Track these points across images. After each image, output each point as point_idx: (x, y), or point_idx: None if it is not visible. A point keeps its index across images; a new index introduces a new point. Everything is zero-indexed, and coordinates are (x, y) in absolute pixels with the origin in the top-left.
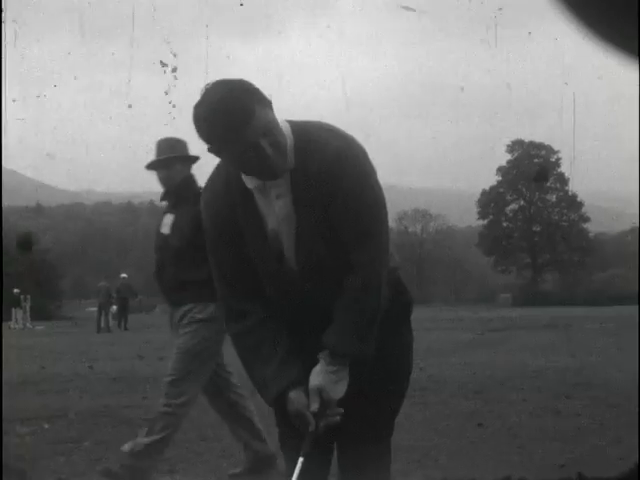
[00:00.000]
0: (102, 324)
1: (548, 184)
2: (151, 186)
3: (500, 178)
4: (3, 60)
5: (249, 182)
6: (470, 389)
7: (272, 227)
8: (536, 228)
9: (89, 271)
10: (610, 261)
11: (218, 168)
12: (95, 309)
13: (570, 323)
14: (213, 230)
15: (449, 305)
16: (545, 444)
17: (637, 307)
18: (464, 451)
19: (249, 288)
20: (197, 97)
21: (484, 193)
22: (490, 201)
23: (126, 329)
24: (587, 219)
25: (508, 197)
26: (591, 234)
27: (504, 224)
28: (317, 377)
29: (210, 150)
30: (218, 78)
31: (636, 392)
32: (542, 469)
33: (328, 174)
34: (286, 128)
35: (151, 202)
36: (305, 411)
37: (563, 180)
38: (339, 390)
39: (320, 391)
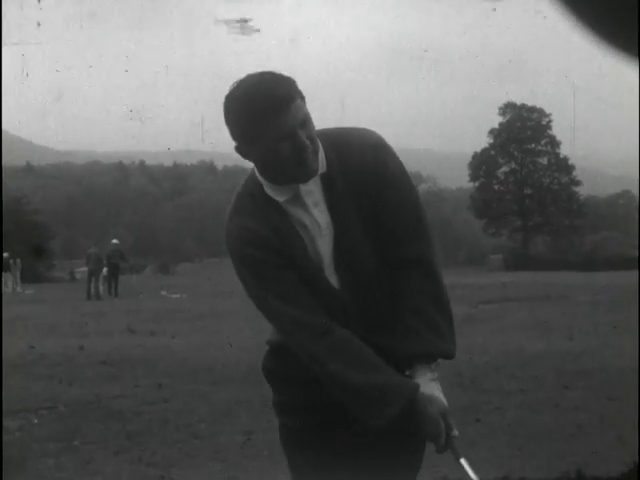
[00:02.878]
0: (92, 290)
1: (539, 147)
2: (142, 146)
3: (492, 141)
4: None
5: (279, 195)
6: (467, 377)
7: (311, 241)
8: (527, 191)
9: (79, 232)
10: (601, 224)
11: (240, 194)
12: (85, 269)
13: (564, 294)
14: (257, 252)
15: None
16: (544, 444)
17: (629, 272)
18: (463, 451)
19: (315, 302)
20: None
21: (475, 156)
22: (481, 164)
23: (116, 295)
24: (578, 182)
25: (499, 160)
26: (582, 197)
27: (495, 187)
28: (426, 388)
29: (239, 147)
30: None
31: (636, 384)
32: (541, 471)
33: (371, 170)
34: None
35: (141, 162)
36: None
37: (555, 143)
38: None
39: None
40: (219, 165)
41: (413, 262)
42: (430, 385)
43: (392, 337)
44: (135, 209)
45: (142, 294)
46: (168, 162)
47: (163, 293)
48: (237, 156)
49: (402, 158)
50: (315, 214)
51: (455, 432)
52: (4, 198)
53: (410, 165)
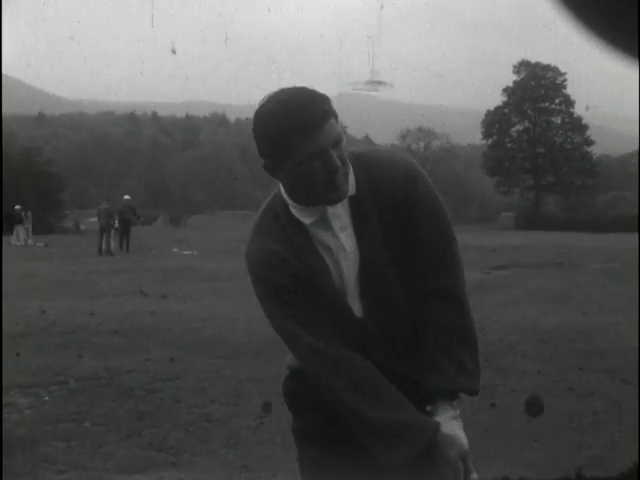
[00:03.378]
0: (104, 246)
1: (553, 106)
2: (154, 97)
3: (505, 99)
4: None
5: (305, 216)
6: (481, 355)
7: (336, 266)
8: (540, 150)
9: (91, 182)
10: (613, 183)
11: (264, 213)
12: (91, 221)
13: (576, 261)
14: (277, 275)
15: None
16: (562, 434)
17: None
18: (479, 441)
19: (337, 332)
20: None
21: (489, 113)
22: (494, 122)
23: (127, 251)
24: (591, 142)
25: (513, 118)
26: (595, 156)
27: (508, 145)
28: (447, 427)
29: (267, 164)
30: None
31: None
32: (560, 463)
33: (402, 194)
34: None
35: (154, 113)
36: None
37: (569, 102)
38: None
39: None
40: (231, 117)
41: (440, 294)
42: (451, 424)
43: (414, 368)
44: (147, 160)
45: (153, 250)
46: (180, 114)
47: (174, 250)
48: (250, 109)
49: (415, 114)
50: (341, 238)
51: (474, 475)
52: (16, 149)
53: (423, 121)
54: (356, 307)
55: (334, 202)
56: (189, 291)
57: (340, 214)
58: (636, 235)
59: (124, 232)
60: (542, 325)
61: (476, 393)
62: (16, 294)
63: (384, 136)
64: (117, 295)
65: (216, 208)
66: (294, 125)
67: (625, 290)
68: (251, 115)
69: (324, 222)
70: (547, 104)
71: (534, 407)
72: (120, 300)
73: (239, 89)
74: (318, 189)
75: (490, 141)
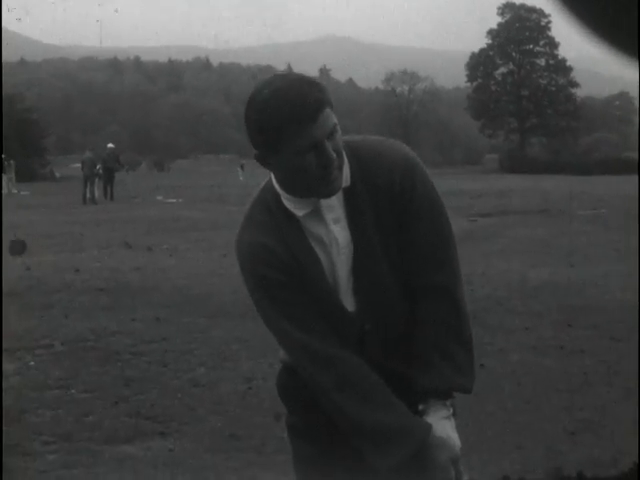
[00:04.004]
0: (88, 195)
1: (538, 48)
2: (137, 42)
3: (490, 41)
4: None
5: (298, 208)
6: (469, 312)
7: (328, 259)
8: (524, 92)
9: (75, 128)
10: (597, 125)
11: (254, 204)
12: (72, 167)
13: (562, 207)
14: (268, 270)
15: (436, 167)
16: (551, 396)
17: (625, 177)
18: (468, 405)
19: (328, 328)
20: None
21: (473, 56)
22: (479, 64)
23: (112, 199)
24: (576, 84)
25: (497, 60)
26: (579, 98)
27: (493, 88)
28: (438, 428)
29: (259, 154)
30: None
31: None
32: (551, 431)
33: (399, 187)
34: None
35: (137, 58)
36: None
37: (553, 44)
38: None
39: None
40: (214, 62)
41: (436, 290)
42: (443, 424)
43: (407, 366)
44: (130, 106)
45: (137, 198)
46: (163, 58)
47: (159, 198)
48: (233, 53)
49: (399, 56)
50: (335, 231)
51: (465, 478)
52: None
53: (407, 63)
54: (349, 302)
55: (327, 195)
56: (174, 243)
57: (334, 206)
58: (622, 178)
59: (108, 180)
60: (530, 279)
61: (470, 392)
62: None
63: (368, 79)
64: (102, 248)
65: (199, 152)
66: (288, 116)
67: (611, 238)
68: (235, 59)
69: (317, 214)
70: (531, 46)
71: None
72: (105, 253)
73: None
74: (311, 182)
75: (475, 84)
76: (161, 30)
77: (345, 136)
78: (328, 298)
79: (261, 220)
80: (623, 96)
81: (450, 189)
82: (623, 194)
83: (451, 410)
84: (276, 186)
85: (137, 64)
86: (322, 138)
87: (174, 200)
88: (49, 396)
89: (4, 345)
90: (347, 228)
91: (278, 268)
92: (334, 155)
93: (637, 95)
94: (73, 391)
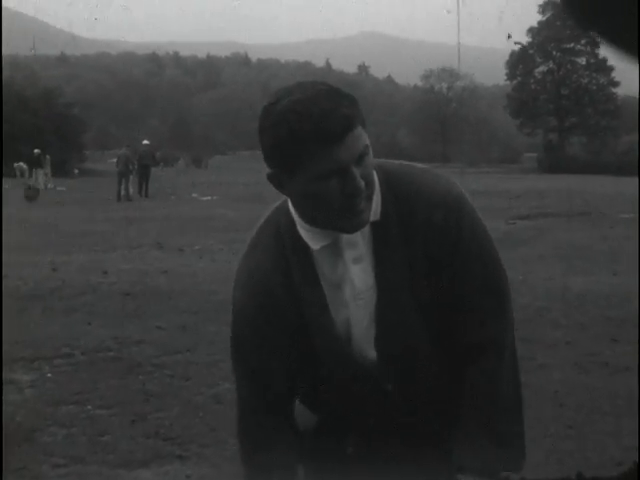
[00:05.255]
0: (122, 192)
1: (578, 46)
2: (176, 37)
3: (530, 39)
4: None
5: (313, 240)
6: None
7: (340, 304)
8: (564, 91)
9: (113, 123)
10: (637, 125)
11: (264, 226)
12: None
13: (603, 210)
14: (250, 303)
15: (473, 166)
16: (597, 420)
17: None
18: None
19: (289, 402)
20: None
21: (513, 54)
22: (519, 62)
23: (147, 196)
24: (616, 83)
25: (537, 59)
26: (620, 98)
27: (532, 86)
28: None
29: (273, 175)
30: None
31: None
32: (594, 459)
33: (442, 227)
34: None
35: (176, 53)
36: None
37: (594, 43)
38: None
39: None
40: (253, 57)
41: (485, 350)
42: None
43: (440, 434)
44: (169, 101)
45: (173, 196)
46: (202, 54)
47: (194, 195)
48: (272, 49)
49: (438, 54)
50: (352, 272)
51: None
52: (37, 90)
53: (446, 61)
54: (367, 357)
55: (353, 230)
56: (207, 243)
57: (357, 242)
58: None
59: (143, 177)
60: (571, 288)
61: (519, 470)
62: (29, 247)
63: (407, 76)
64: (133, 248)
65: (238, 148)
66: (310, 134)
67: None
68: (274, 55)
69: (335, 249)
70: (572, 45)
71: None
72: (135, 254)
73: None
74: (333, 213)
75: (514, 82)
76: (200, 25)
77: (378, 160)
78: (335, 348)
79: (267, 245)
80: None
81: (487, 189)
82: None
83: None
84: (291, 210)
85: (176, 59)
86: (349, 162)
87: (209, 198)
88: (64, 412)
89: (23, 354)
90: (371, 270)
91: (265, 298)
92: (362, 183)
93: None
94: (89, 407)
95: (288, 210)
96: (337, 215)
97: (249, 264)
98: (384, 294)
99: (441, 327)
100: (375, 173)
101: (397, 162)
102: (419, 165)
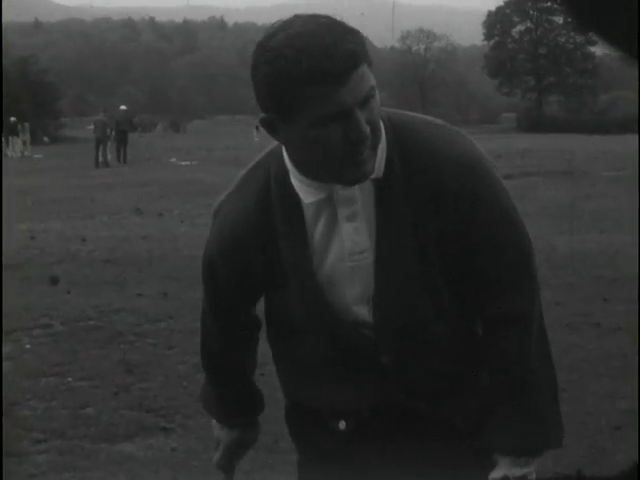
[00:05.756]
0: (100, 158)
1: (555, 5)
2: (151, 1)
3: None
4: None
5: (307, 192)
6: None
7: (327, 263)
8: (542, 51)
9: (89, 90)
10: (614, 83)
11: (254, 168)
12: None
13: (585, 169)
14: (237, 245)
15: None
16: (591, 380)
17: None
18: None
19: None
20: None
21: (490, 14)
22: (496, 22)
23: (125, 162)
24: (594, 42)
25: (515, 18)
26: (597, 56)
27: (510, 46)
28: None
29: (267, 119)
30: None
31: None
32: (592, 421)
33: (456, 190)
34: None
35: (151, 18)
36: None
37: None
38: None
39: None
40: (229, 21)
41: (509, 322)
42: None
43: (443, 406)
44: (145, 66)
45: (151, 161)
46: (178, 18)
47: (172, 160)
48: (248, 12)
49: (415, 15)
50: (345, 231)
51: None
52: (11, 58)
53: (423, 22)
54: (358, 322)
55: (351, 182)
56: (186, 208)
57: (354, 199)
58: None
59: (121, 143)
60: (559, 247)
61: (559, 446)
62: (6, 214)
63: (384, 38)
64: (112, 214)
65: (216, 113)
66: (309, 73)
67: (636, 202)
68: (251, 18)
69: (329, 203)
70: (549, 3)
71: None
72: (115, 220)
73: None
74: (333, 162)
75: (492, 42)
76: None
77: (387, 109)
78: (317, 312)
79: (254, 191)
80: None
81: None
82: None
83: (531, 468)
84: (285, 157)
85: (152, 24)
86: (353, 105)
87: (188, 162)
88: (43, 384)
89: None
90: (371, 231)
91: (254, 249)
92: (367, 129)
93: None
94: (70, 379)
95: (282, 156)
96: (337, 165)
97: (231, 205)
98: (383, 259)
99: (454, 298)
100: (382, 124)
101: (410, 114)
102: (435, 120)
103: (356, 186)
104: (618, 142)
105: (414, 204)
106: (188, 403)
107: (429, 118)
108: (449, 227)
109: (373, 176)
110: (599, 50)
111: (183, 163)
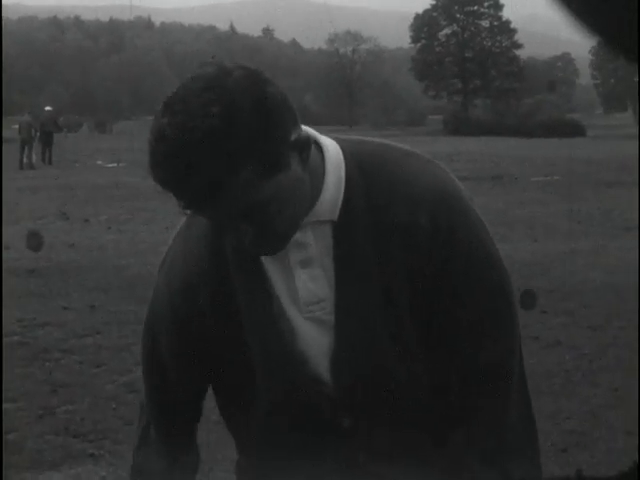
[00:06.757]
0: (25, 160)
1: (482, 9)
2: (78, 0)
3: (434, 2)
4: None
5: None
6: None
7: (285, 314)
8: (468, 54)
9: (14, 87)
10: (539, 87)
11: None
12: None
13: (515, 173)
14: (186, 297)
15: (379, 129)
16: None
17: (570, 140)
18: None
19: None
20: None
21: (417, 17)
22: (423, 25)
23: (50, 163)
24: (519, 46)
25: (441, 22)
26: (523, 60)
27: (436, 49)
28: None
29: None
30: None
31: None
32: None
33: (427, 228)
34: (332, 147)
35: (77, 17)
36: None
37: (497, 6)
38: None
39: None
40: (156, 21)
41: (486, 375)
42: None
43: (408, 471)
44: (71, 66)
45: (77, 163)
46: (104, 17)
47: (99, 162)
48: (175, 12)
49: (342, 18)
50: (297, 278)
51: None
52: None
53: (350, 24)
54: (324, 378)
55: (270, 253)
56: (114, 213)
57: (306, 242)
58: (563, 141)
59: (46, 144)
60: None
61: None
62: None
63: (312, 40)
64: (37, 218)
65: (142, 113)
66: (163, 179)
67: (571, 208)
68: (177, 19)
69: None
70: (476, 7)
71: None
72: (39, 225)
73: None
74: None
75: (418, 45)
76: None
77: (352, 138)
78: (272, 367)
79: (205, 231)
80: (565, 57)
81: None
82: (571, 158)
83: None
84: None
85: (78, 23)
86: (229, 221)
87: (115, 164)
88: None
89: None
90: (325, 277)
91: (203, 306)
92: (254, 239)
93: (579, 56)
94: None
95: None
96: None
97: (178, 248)
98: (344, 309)
99: (424, 350)
100: (343, 156)
101: (375, 141)
102: (404, 147)
103: (309, 229)
104: (543, 145)
105: (379, 244)
106: (118, 427)
107: (398, 145)
108: (420, 269)
109: (326, 218)
110: (524, 53)
111: (109, 165)
